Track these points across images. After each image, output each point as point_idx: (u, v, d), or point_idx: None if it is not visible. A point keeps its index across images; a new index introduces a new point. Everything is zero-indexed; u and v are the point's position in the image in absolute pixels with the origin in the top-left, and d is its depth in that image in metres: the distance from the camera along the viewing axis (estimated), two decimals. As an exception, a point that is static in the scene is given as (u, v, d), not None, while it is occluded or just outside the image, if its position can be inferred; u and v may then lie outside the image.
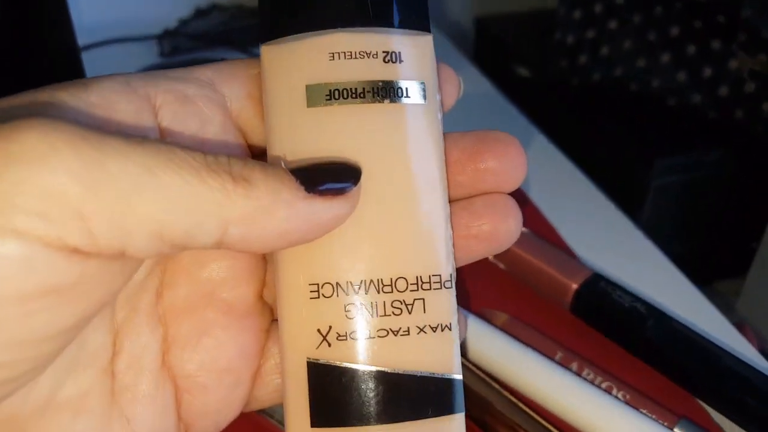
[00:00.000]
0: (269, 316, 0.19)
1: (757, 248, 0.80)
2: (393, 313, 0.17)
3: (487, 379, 0.30)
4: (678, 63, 0.80)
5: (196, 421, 0.18)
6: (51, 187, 0.13)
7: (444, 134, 0.19)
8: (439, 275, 0.18)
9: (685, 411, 0.32)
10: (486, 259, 0.41)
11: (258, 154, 0.18)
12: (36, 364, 0.14)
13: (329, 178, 0.16)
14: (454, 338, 0.18)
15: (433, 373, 0.17)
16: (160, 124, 0.17)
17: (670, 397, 0.33)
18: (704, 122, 0.83)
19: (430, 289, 0.18)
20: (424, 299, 0.17)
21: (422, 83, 0.18)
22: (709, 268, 0.92)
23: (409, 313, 0.17)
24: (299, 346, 0.17)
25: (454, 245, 0.19)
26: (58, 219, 0.13)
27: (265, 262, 0.19)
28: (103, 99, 0.16)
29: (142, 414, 0.17)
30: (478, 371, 0.31)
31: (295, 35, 0.17)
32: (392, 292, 0.17)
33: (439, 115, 0.18)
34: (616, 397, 0.31)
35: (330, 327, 0.17)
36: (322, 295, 0.17)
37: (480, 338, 0.33)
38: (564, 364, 0.33)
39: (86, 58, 0.43)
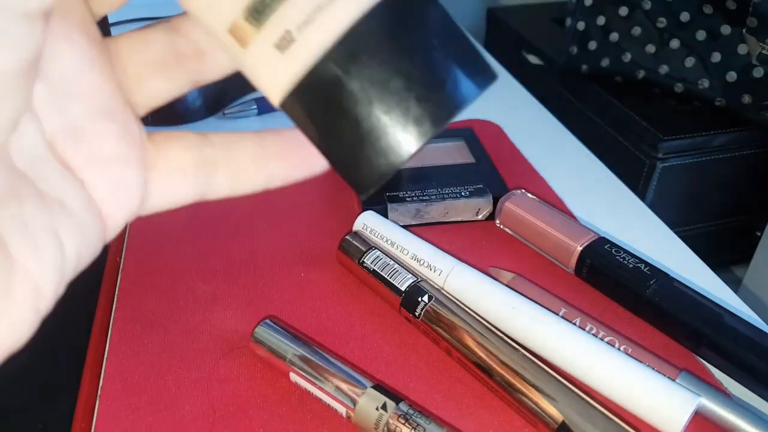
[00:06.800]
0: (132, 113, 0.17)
1: (760, 237, 0.80)
2: None
3: (495, 329, 0.31)
4: (687, 49, 0.81)
5: (112, 212, 0.17)
6: None
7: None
8: None
9: (686, 368, 0.32)
10: (493, 224, 0.41)
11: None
12: None
13: None
14: None
15: None
16: None
17: (672, 355, 0.33)
18: (712, 107, 0.84)
19: None
20: None
21: None
22: (714, 253, 0.92)
23: None
24: None
25: None
26: None
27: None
28: None
29: (67, 199, 0.16)
30: (485, 323, 0.32)
31: None
32: None
33: None
34: (619, 350, 0.32)
35: None
36: None
37: (486, 293, 0.34)
38: (568, 319, 0.34)
39: (116, 32, 0.44)
